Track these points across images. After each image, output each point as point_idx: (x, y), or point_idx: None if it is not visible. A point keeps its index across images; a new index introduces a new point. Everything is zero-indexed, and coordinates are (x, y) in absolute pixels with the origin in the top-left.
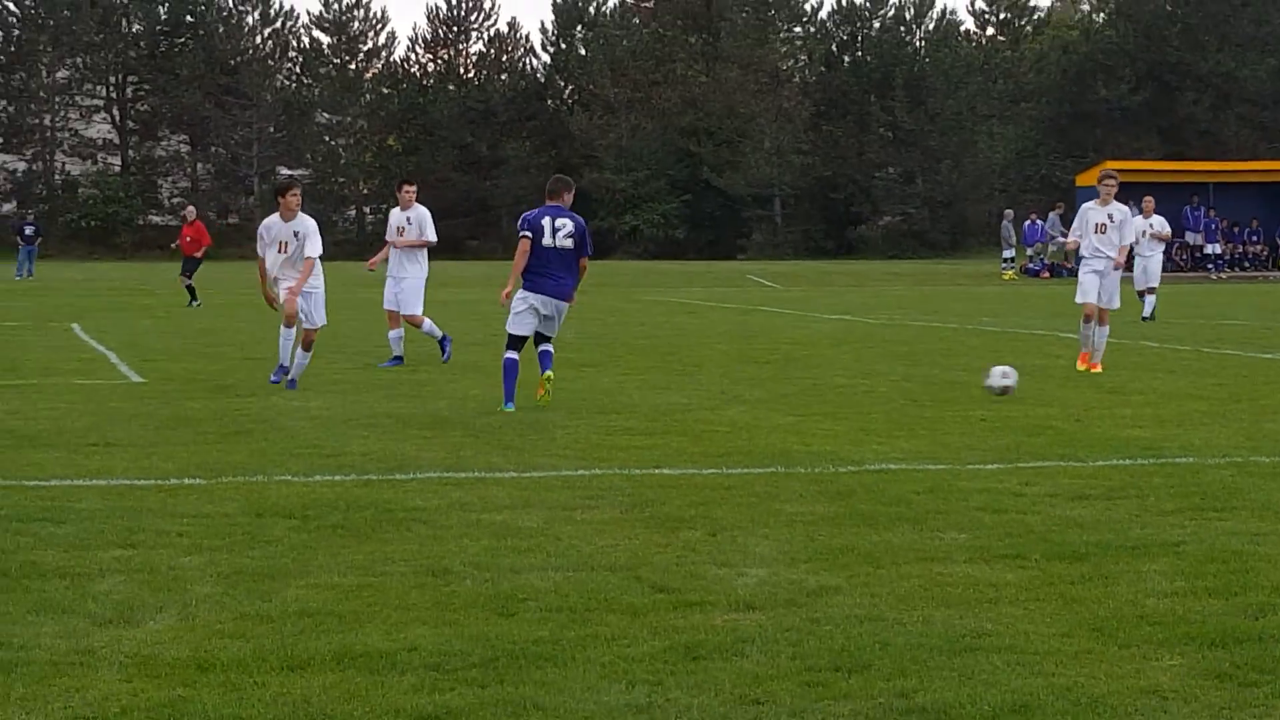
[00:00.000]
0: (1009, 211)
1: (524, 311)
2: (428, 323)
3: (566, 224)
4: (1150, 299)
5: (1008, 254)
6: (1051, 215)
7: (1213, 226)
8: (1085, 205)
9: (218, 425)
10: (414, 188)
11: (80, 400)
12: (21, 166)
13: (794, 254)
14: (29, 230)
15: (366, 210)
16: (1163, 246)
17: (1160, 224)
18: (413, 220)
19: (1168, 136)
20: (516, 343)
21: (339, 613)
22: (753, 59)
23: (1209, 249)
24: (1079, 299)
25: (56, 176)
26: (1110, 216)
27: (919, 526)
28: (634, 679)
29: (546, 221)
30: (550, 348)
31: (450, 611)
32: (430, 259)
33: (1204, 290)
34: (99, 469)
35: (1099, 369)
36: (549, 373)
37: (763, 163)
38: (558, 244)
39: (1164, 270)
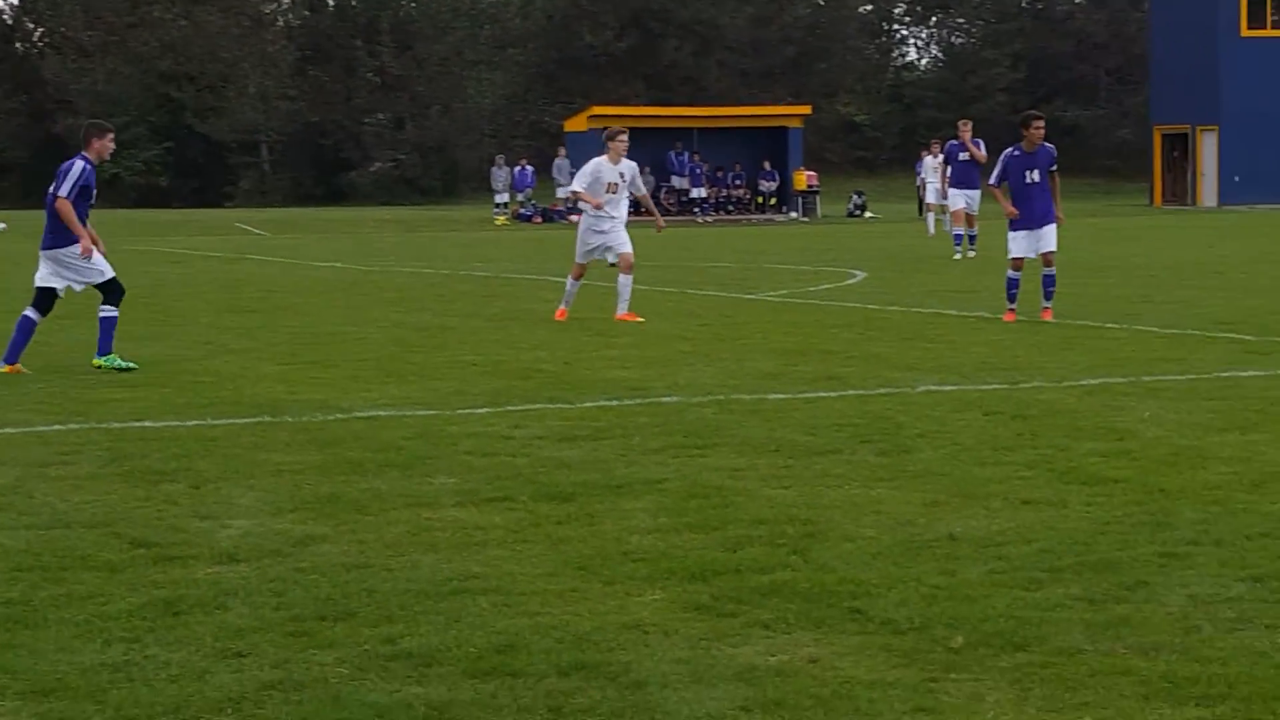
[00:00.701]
0: (500, 157)
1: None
2: None
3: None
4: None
5: (500, 200)
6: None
7: (697, 171)
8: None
9: None
10: None
11: None
12: None
13: (283, 201)
14: None
15: None
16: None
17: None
18: None
19: (652, 83)
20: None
21: None
22: (233, 2)
23: (694, 193)
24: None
25: None
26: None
27: (408, 472)
28: (111, 637)
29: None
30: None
31: None
32: None
33: (690, 234)
34: None
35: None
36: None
37: (248, 109)
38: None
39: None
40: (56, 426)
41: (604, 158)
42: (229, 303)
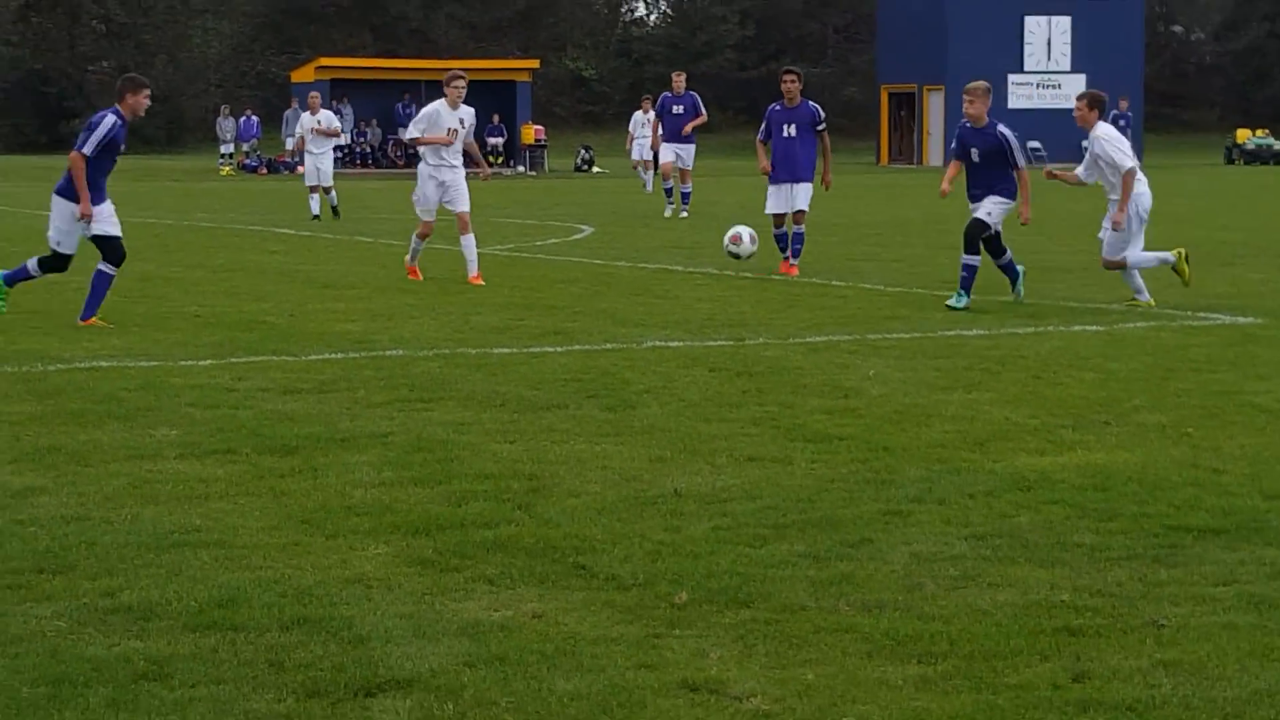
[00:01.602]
0: (224, 108)
1: None
2: None
3: None
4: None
5: (225, 150)
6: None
7: None
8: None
9: None
10: None
11: None
12: None
13: (4, 149)
14: None
15: None
16: (332, 142)
17: (329, 119)
18: None
19: (380, 34)
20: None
21: None
22: None
23: None
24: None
25: None
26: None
27: (129, 424)
28: None
29: None
30: None
31: None
32: None
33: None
34: None
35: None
36: None
37: None
38: None
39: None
40: None
41: (441, 102)
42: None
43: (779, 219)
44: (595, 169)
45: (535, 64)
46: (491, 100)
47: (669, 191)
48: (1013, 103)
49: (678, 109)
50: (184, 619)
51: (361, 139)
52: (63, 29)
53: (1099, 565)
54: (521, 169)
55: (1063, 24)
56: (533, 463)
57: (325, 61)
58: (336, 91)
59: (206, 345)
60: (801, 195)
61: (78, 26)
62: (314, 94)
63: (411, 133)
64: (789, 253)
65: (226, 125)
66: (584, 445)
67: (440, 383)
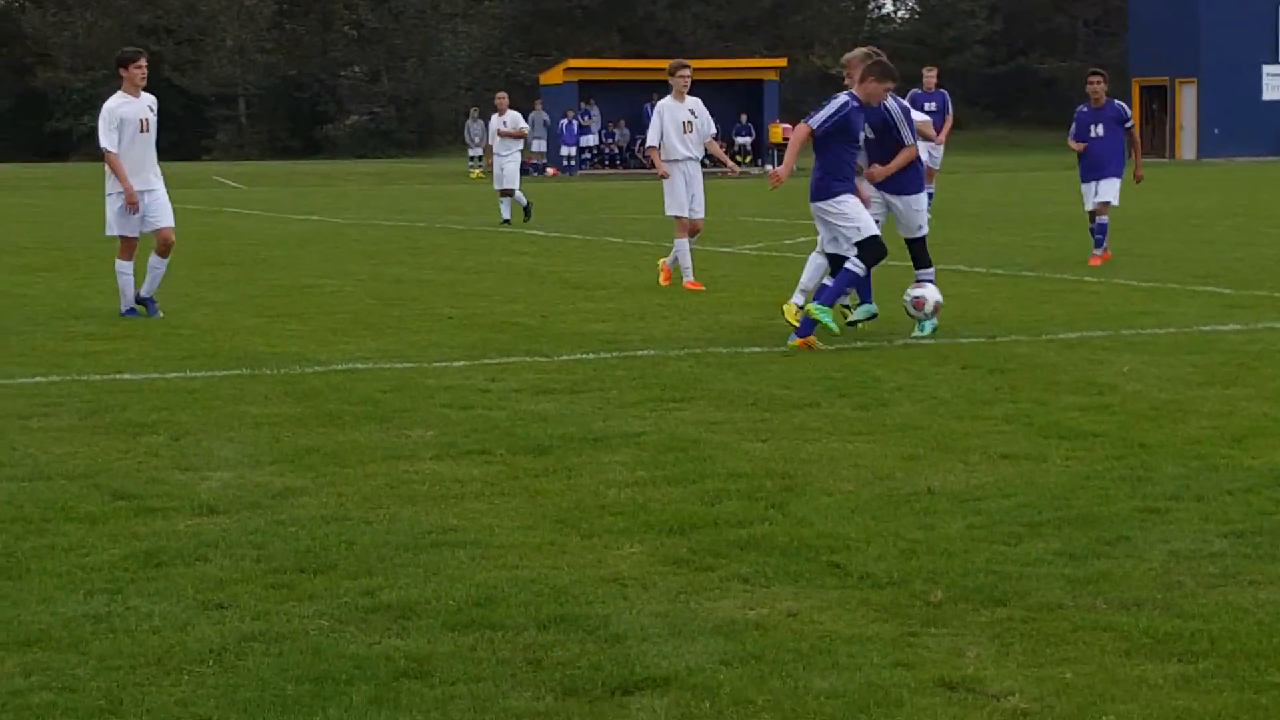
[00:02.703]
0: (474, 110)
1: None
2: None
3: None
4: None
5: (474, 153)
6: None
7: None
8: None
9: None
10: None
11: None
12: None
13: (260, 154)
14: None
15: None
16: (520, 144)
17: (514, 120)
18: None
19: (628, 35)
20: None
21: None
22: None
23: None
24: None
25: None
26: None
27: (386, 425)
28: (93, 588)
29: None
30: None
31: None
32: None
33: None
34: None
35: None
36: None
37: (225, 62)
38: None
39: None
40: (37, 379)
41: (669, 98)
42: (206, 255)
43: (1091, 214)
44: None
45: (782, 62)
46: (739, 99)
47: None
48: (1267, 94)
49: (929, 106)
50: (443, 618)
51: (610, 140)
52: (315, 35)
53: None
54: (769, 167)
55: None
56: (785, 461)
57: (573, 63)
58: (584, 93)
59: (460, 347)
60: (1108, 188)
61: (330, 32)
62: (500, 95)
63: (650, 141)
64: (1097, 243)
65: (475, 128)
66: (836, 443)
67: (692, 382)
